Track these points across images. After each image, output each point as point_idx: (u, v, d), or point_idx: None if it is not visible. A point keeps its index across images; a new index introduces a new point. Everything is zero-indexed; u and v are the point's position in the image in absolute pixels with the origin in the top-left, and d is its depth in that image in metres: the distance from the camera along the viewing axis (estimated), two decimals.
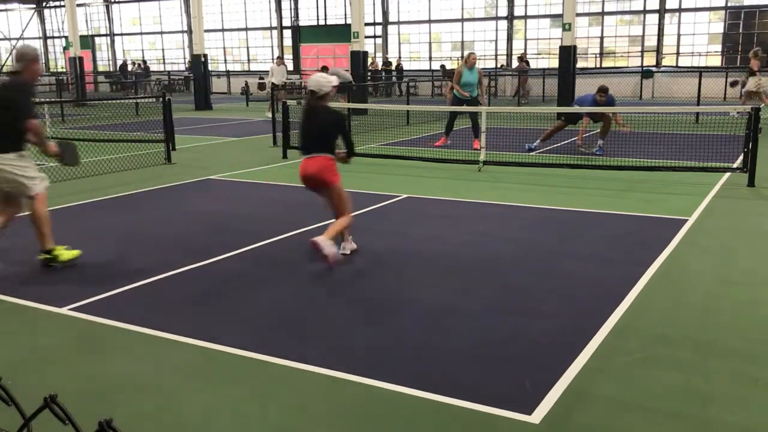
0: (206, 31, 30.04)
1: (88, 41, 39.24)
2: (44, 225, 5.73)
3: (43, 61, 41.43)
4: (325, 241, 5.42)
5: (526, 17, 30.68)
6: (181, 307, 4.87)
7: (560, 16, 20.92)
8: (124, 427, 3.20)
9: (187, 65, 35.52)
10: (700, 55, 28.14)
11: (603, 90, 12.19)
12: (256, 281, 5.44)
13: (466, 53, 13.76)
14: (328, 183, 5.72)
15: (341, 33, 31.80)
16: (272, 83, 20.84)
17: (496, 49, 31.09)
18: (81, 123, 18.64)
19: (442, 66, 29.89)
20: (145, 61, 37.20)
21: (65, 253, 5.79)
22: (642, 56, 28.76)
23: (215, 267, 5.77)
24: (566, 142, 13.77)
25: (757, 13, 26.87)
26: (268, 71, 33.06)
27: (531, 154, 12.02)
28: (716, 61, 28.02)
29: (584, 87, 23.49)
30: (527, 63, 27.88)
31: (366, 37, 22.99)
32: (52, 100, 21.86)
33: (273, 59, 34.35)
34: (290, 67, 35.07)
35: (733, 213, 7.57)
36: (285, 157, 11.90)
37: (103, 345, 4.23)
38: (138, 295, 5.09)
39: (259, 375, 3.78)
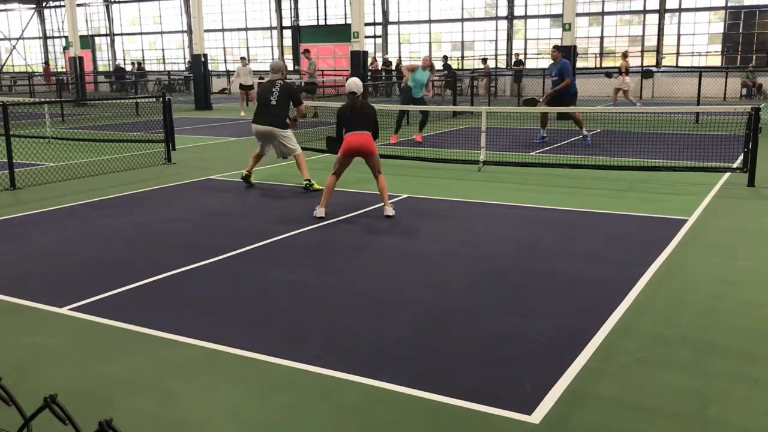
0: (206, 31, 30.06)
1: (88, 41, 39.28)
2: (303, 164, 9.06)
3: (44, 61, 41.44)
4: (389, 210, 7.46)
5: (526, 17, 30.68)
6: (181, 307, 4.87)
7: (560, 16, 20.96)
8: (124, 427, 3.20)
9: (187, 65, 35.52)
10: (700, 55, 28.15)
11: (555, 47, 13.48)
12: (256, 281, 5.44)
13: (422, 57, 15.12)
14: (373, 151, 7.59)
15: (341, 33, 31.82)
16: (240, 84, 21.18)
17: (496, 49, 31.09)
18: (81, 123, 18.64)
19: (444, 56, 29.95)
20: (140, 62, 37.25)
21: (316, 185, 8.87)
22: (642, 56, 28.77)
23: (215, 267, 5.77)
24: (566, 142, 13.77)
25: (757, 13, 26.89)
26: (267, 71, 33.24)
27: (531, 154, 12.02)
28: (716, 61, 28.03)
29: (584, 87, 23.56)
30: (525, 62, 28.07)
31: (366, 37, 23.01)
32: (52, 100, 21.86)
33: (272, 58, 34.38)
34: (290, 67, 35.12)
35: (733, 213, 7.57)
36: (285, 157, 11.87)
37: (103, 345, 4.22)
38: (138, 295, 5.09)
39: (259, 375, 3.78)
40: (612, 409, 3.38)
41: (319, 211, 7.45)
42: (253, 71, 22.59)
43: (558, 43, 18.99)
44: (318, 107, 19.16)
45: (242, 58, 22.39)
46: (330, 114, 19.00)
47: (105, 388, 3.67)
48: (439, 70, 28.54)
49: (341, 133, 7.67)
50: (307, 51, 21.35)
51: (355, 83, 7.74)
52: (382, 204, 7.59)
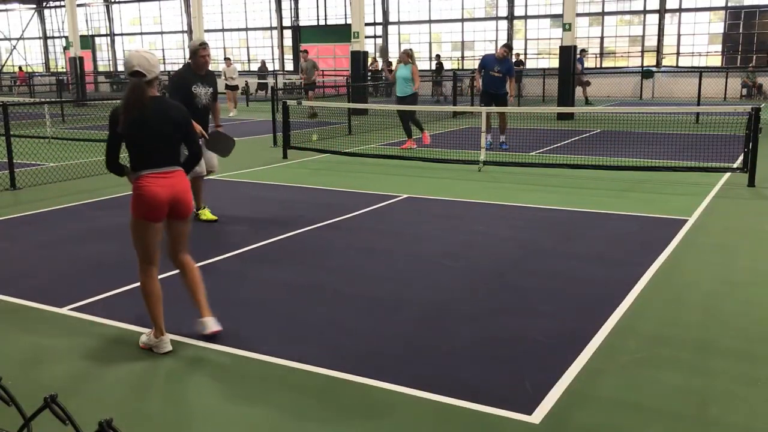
0: (206, 31, 30.05)
1: (88, 41, 39.26)
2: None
3: (44, 62, 41.44)
4: (210, 323, 4.25)
5: (526, 17, 30.69)
6: (180, 307, 4.86)
7: (560, 16, 20.95)
8: (124, 427, 3.20)
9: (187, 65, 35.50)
10: (700, 55, 28.15)
11: (507, 46, 13.25)
12: (255, 281, 5.44)
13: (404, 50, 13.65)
14: (189, 210, 4.23)
15: (341, 33, 31.81)
16: (226, 84, 21.23)
17: (496, 50, 31.05)
18: (81, 123, 18.64)
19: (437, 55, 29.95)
20: None
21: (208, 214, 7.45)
22: (642, 56, 28.77)
23: (215, 267, 5.77)
24: (566, 142, 13.78)
25: (757, 13, 26.88)
26: (269, 71, 33.26)
27: (531, 154, 12.02)
28: (716, 61, 28.03)
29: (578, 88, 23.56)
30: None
31: (366, 37, 23.01)
32: (52, 100, 21.86)
33: (272, 58, 34.40)
34: (290, 67, 35.14)
35: (733, 213, 7.57)
36: (285, 157, 11.91)
37: (103, 345, 4.22)
38: (138, 295, 5.07)
39: (259, 375, 3.78)
40: (612, 409, 3.38)
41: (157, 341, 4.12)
42: (253, 71, 22.57)
43: (558, 43, 19.00)
44: (317, 107, 19.17)
45: (227, 59, 22.40)
46: (331, 114, 19.05)
47: (105, 388, 3.67)
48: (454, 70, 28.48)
49: (116, 160, 4.04)
50: (304, 51, 21.39)
51: (143, 56, 3.97)
52: (379, 208, 7.51)
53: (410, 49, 13.62)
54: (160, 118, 4.00)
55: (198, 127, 6.52)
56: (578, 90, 22.94)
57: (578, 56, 23.85)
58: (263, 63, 33.55)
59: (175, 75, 7.30)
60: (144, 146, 3.98)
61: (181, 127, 4.12)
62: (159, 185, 3.96)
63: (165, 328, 4.10)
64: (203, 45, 7.03)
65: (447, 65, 31.72)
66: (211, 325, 4.24)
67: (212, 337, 4.21)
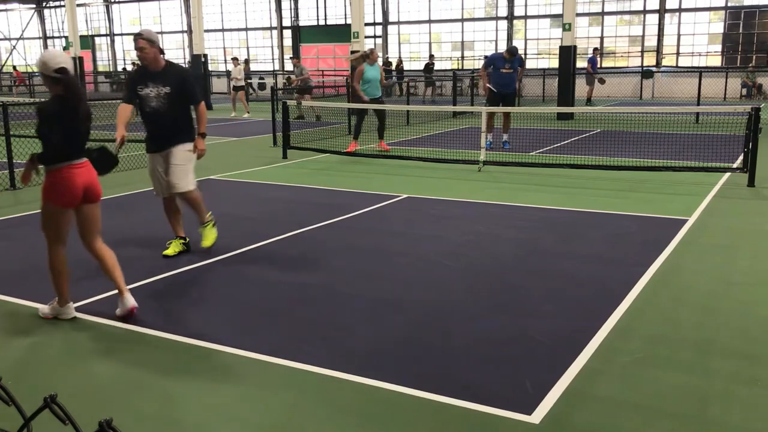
0: (206, 31, 30.07)
1: (88, 41, 39.30)
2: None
3: (14, 65, 41.45)
4: (128, 301, 4.59)
5: (526, 17, 30.69)
6: (181, 307, 4.87)
7: (560, 16, 20.94)
8: (124, 427, 3.20)
9: (186, 65, 35.52)
10: (700, 55, 28.16)
11: (510, 52, 12.85)
12: (256, 281, 5.43)
13: (368, 50, 13.08)
14: (100, 193, 4.63)
15: (341, 33, 31.83)
16: (234, 86, 21.21)
17: (496, 50, 31.06)
18: None
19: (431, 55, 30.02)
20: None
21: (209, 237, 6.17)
22: (642, 56, 28.77)
23: (215, 267, 5.77)
24: (566, 142, 13.78)
25: (757, 13, 26.89)
26: (269, 71, 33.26)
27: (531, 154, 12.02)
28: (716, 61, 28.04)
29: (584, 87, 23.58)
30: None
31: (366, 37, 23.01)
32: None
33: (272, 58, 34.33)
34: (289, 67, 35.13)
35: (733, 213, 7.57)
36: (285, 157, 11.91)
37: (103, 345, 4.23)
38: (138, 295, 5.07)
39: (259, 375, 3.78)
40: (612, 409, 3.38)
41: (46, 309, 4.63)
42: (253, 71, 22.54)
43: (558, 43, 18.99)
44: (304, 110, 19.19)
45: (234, 59, 22.30)
46: (332, 114, 19.05)
47: (105, 388, 3.67)
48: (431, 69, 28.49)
49: (52, 151, 4.44)
50: (294, 58, 21.48)
51: (65, 55, 4.47)
52: (379, 208, 7.49)
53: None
54: (84, 112, 4.51)
55: (119, 133, 6.05)
56: (584, 89, 23.03)
57: (590, 55, 23.91)
58: (246, 62, 33.02)
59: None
60: (71, 138, 4.45)
61: (90, 121, 4.62)
62: (77, 175, 4.44)
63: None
64: (135, 37, 5.72)
65: (447, 65, 31.75)
66: (130, 301, 4.58)
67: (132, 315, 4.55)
